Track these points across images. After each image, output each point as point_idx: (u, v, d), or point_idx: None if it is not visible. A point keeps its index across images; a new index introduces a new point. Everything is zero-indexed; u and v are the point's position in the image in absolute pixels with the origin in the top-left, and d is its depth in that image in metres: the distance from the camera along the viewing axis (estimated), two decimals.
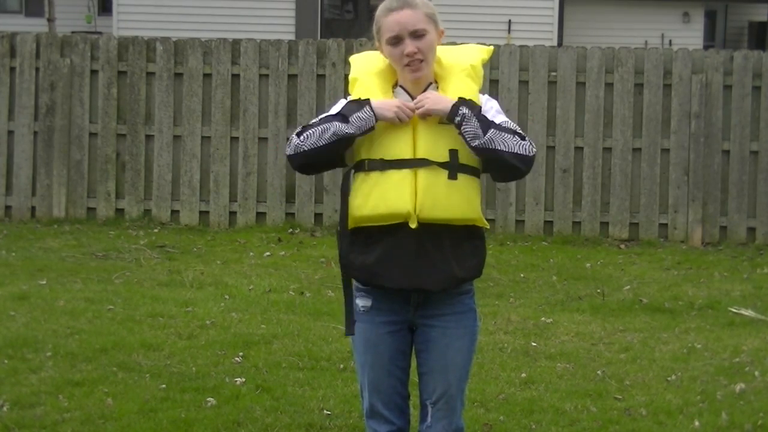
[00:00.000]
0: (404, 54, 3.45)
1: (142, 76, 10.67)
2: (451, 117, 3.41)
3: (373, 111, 3.40)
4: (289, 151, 3.48)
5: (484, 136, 3.39)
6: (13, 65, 10.66)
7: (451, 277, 3.47)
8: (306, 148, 3.44)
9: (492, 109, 3.54)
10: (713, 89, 10.46)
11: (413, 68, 3.46)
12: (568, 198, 10.54)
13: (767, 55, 10.52)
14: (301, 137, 3.45)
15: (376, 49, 3.61)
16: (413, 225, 3.39)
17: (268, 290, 7.92)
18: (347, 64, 9.72)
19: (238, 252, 9.45)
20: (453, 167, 3.41)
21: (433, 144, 3.42)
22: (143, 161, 10.65)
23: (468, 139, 3.40)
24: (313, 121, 3.51)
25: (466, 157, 3.44)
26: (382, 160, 3.41)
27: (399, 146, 3.42)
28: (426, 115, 3.42)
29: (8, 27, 17.76)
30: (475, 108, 3.44)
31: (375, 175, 3.41)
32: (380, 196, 3.40)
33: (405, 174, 3.40)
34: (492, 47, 3.76)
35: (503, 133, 3.43)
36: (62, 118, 10.62)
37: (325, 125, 3.43)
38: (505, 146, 3.42)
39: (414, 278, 3.43)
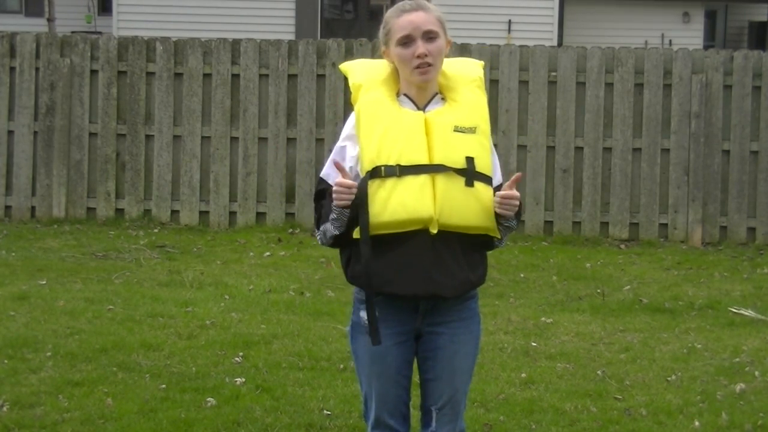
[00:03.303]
0: (415, 55, 3.41)
1: (142, 76, 10.67)
2: (507, 218, 3.45)
3: (340, 207, 3.37)
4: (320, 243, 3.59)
5: (501, 243, 3.54)
6: (13, 65, 10.66)
7: (467, 283, 3.47)
8: (327, 245, 3.51)
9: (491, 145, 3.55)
10: (713, 89, 10.46)
11: (422, 71, 3.42)
12: (568, 198, 10.54)
13: (767, 55, 10.52)
14: (318, 236, 3.53)
15: (379, 55, 3.56)
16: (434, 230, 3.35)
17: (268, 290, 7.92)
18: None
19: (238, 252, 9.45)
20: (470, 174, 3.38)
21: (449, 150, 3.39)
22: (143, 161, 10.65)
23: (496, 240, 3.51)
24: (319, 208, 3.52)
25: (482, 165, 3.41)
26: (398, 165, 3.36)
27: (415, 152, 3.38)
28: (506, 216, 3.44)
29: (8, 27, 17.75)
30: (519, 214, 3.52)
31: (392, 182, 3.36)
32: (399, 202, 3.34)
33: (424, 179, 3.36)
34: (483, 62, 3.74)
35: (507, 236, 3.56)
36: (62, 118, 10.62)
37: (324, 227, 3.46)
38: (500, 246, 3.58)
39: (430, 285, 3.40)
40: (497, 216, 3.43)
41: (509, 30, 19.59)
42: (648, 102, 10.50)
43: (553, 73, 10.52)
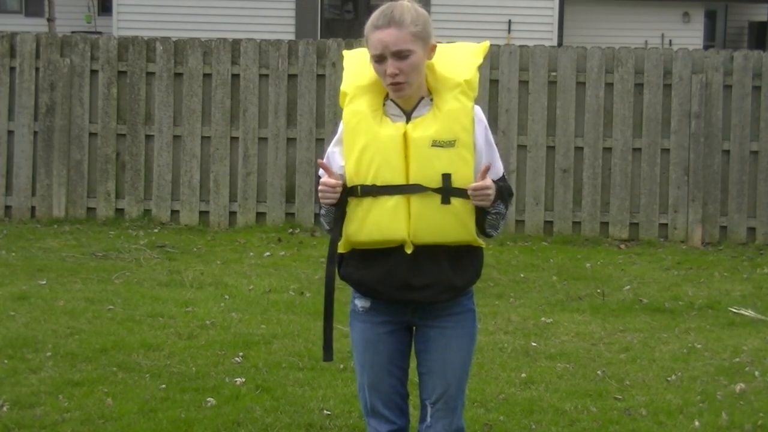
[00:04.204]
0: (386, 74, 3.38)
1: (142, 76, 10.67)
2: (489, 205, 3.44)
3: (325, 204, 3.47)
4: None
5: (497, 231, 3.53)
6: (13, 65, 10.67)
7: (450, 289, 3.49)
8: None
9: (488, 140, 3.50)
10: (713, 89, 10.46)
11: (395, 88, 3.40)
12: (568, 198, 10.54)
13: (767, 55, 10.52)
14: (325, 229, 3.63)
15: None
16: (408, 251, 3.41)
17: (268, 290, 7.92)
18: None
19: (238, 252, 9.45)
20: (446, 192, 3.39)
21: (425, 169, 3.38)
22: (143, 161, 10.65)
23: (487, 226, 3.50)
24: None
25: (459, 180, 3.39)
26: (374, 185, 3.39)
27: (391, 171, 3.38)
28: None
29: (8, 27, 17.76)
30: (506, 200, 3.51)
31: (368, 201, 3.40)
32: (374, 223, 3.40)
33: (398, 200, 3.38)
34: (488, 42, 3.67)
35: (502, 222, 3.55)
36: (62, 118, 10.62)
37: (322, 221, 3.61)
38: (495, 233, 3.55)
39: (409, 294, 3.46)
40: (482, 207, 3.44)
41: (509, 30, 19.59)
42: (648, 102, 10.50)
43: (553, 73, 10.53)
